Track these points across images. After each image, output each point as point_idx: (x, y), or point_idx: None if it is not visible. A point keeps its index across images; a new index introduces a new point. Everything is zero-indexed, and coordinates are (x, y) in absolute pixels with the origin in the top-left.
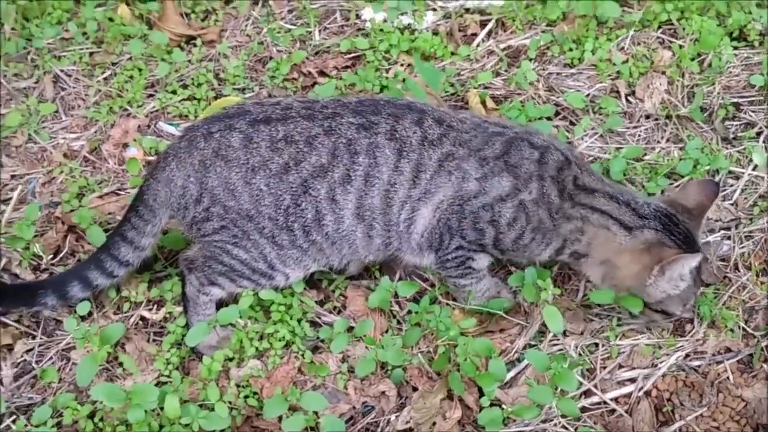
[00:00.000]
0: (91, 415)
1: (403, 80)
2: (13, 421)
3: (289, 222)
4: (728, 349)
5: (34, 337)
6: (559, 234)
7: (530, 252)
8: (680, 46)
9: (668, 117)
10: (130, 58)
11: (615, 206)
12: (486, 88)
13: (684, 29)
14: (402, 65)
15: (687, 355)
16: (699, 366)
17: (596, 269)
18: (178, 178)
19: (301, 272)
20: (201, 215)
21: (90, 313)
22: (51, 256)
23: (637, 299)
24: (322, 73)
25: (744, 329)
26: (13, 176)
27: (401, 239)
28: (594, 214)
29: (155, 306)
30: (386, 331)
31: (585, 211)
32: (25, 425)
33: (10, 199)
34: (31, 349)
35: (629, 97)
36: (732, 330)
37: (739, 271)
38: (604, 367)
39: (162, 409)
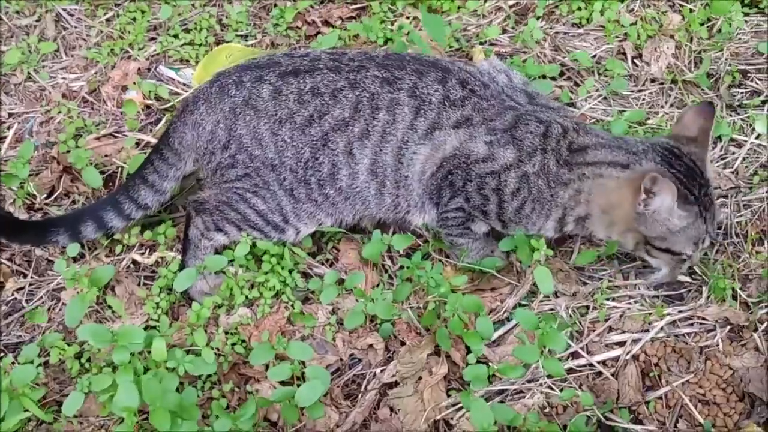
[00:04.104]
0: (78, 356)
1: (408, 33)
2: (0, 359)
3: (307, 175)
4: (726, 319)
5: (25, 276)
6: (557, 204)
7: (532, 224)
8: (690, 11)
9: (674, 81)
10: (134, 0)
11: (607, 152)
12: (492, 44)
13: None
14: (408, 18)
15: (678, 322)
16: (689, 333)
17: (600, 223)
18: (208, 123)
19: (313, 227)
20: (227, 161)
21: (82, 255)
22: (45, 195)
23: (614, 243)
24: (326, 23)
25: (737, 298)
26: (10, 114)
27: (408, 194)
28: (588, 168)
29: (147, 250)
30: (377, 285)
31: (579, 168)
32: (12, 363)
33: (6, 137)
34: (21, 288)
35: (636, 60)
36: (725, 299)
37: (732, 238)
38: (594, 330)
39: (149, 352)
